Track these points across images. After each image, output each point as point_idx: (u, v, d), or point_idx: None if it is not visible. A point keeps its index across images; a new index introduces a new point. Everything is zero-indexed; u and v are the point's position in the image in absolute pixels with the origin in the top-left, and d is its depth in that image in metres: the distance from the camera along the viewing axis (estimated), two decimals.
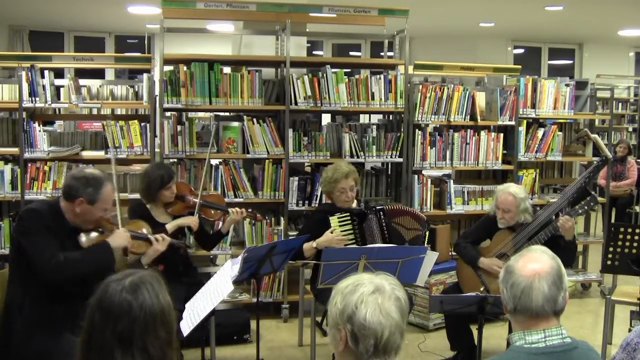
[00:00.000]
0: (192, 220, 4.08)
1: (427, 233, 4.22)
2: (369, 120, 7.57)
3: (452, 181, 5.50)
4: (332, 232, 4.01)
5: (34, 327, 2.92)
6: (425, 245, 4.17)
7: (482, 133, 5.48)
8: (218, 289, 3.30)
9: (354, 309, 1.68)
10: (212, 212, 4.30)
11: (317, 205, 5.08)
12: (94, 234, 3.14)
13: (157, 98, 4.94)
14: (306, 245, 4.01)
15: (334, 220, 4.06)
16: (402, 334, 1.71)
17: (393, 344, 1.68)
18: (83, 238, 3.10)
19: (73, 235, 3.09)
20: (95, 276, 2.98)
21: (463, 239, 4.37)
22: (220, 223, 4.70)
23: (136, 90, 6.65)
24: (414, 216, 4.22)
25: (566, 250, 3.88)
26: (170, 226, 3.99)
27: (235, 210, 4.19)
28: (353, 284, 1.74)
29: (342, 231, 4.07)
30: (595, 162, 4.73)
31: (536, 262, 1.98)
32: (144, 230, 3.48)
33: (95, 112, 6.46)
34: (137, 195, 4.78)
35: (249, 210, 4.30)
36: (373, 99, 5.21)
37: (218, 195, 4.65)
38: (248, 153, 5.04)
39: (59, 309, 2.94)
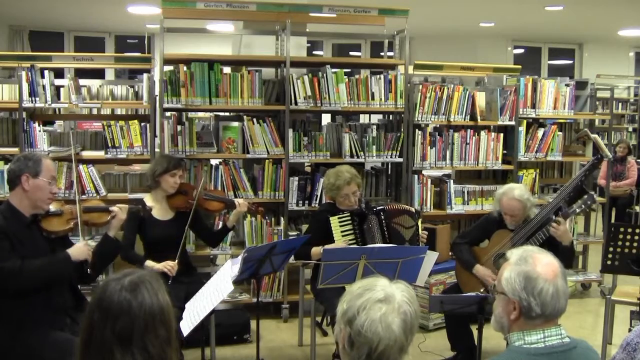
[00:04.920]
0: (171, 267, 3.89)
1: (419, 222, 4.21)
2: (369, 120, 7.56)
3: (452, 181, 5.50)
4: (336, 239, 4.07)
5: (9, 328, 2.94)
6: (420, 231, 4.17)
7: (482, 133, 5.48)
8: (218, 288, 3.30)
9: (355, 313, 1.64)
10: (215, 204, 4.29)
11: (317, 205, 5.09)
12: (53, 220, 3.21)
13: (157, 98, 4.94)
14: (314, 250, 4.06)
15: (334, 221, 4.09)
16: (403, 351, 1.64)
17: (388, 358, 1.62)
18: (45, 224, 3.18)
19: (34, 227, 3.13)
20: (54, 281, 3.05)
21: (460, 239, 4.37)
22: (221, 222, 4.71)
23: (136, 90, 6.64)
24: (407, 212, 4.21)
25: (563, 254, 3.80)
26: (149, 265, 3.90)
27: (240, 202, 4.22)
28: (364, 287, 1.69)
29: (342, 231, 4.10)
30: (591, 159, 4.73)
31: (548, 263, 1.95)
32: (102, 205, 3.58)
33: (95, 112, 6.46)
34: (137, 196, 4.79)
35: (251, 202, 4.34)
36: (373, 99, 5.21)
37: (220, 191, 4.67)
38: (248, 153, 5.04)
39: (26, 307, 2.97)
